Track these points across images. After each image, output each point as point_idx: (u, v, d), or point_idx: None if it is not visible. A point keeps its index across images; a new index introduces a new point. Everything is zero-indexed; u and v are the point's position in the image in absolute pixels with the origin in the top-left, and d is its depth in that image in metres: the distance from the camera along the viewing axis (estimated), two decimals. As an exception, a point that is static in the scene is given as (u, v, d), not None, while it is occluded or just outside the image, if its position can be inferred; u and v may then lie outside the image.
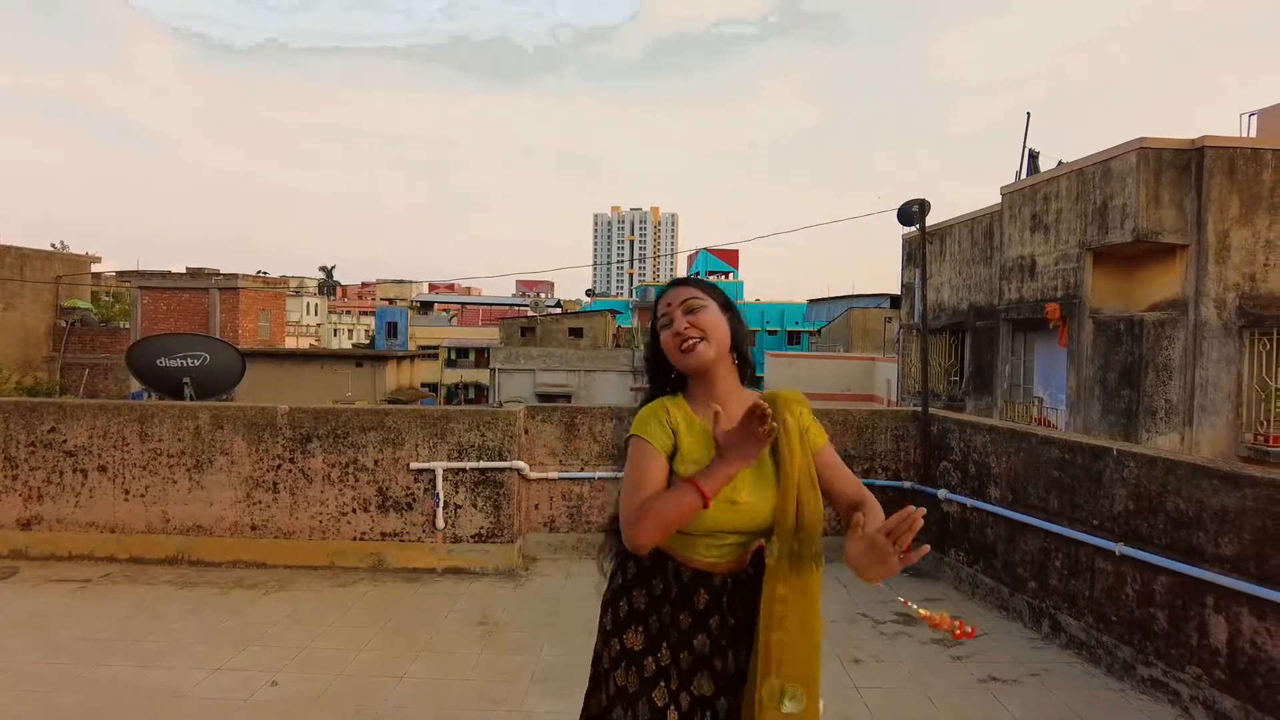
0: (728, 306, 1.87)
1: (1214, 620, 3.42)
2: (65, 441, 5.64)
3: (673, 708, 1.74)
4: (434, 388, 41.39)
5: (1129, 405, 10.00)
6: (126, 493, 5.60)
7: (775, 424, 1.64)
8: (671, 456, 1.76)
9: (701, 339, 1.78)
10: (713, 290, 1.88)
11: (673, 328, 1.80)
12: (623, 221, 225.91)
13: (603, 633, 1.86)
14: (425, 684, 3.77)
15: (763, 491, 1.77)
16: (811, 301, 53.16)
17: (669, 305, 1.83)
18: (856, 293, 47.37)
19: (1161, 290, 10.08)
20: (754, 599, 1.77)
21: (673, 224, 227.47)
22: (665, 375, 1.88)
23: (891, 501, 5.92)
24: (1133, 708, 3.64)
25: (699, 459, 1.73)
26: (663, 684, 1.75)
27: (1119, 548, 3.91)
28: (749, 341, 1.92)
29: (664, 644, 1.77)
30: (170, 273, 31.41)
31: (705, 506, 1.64)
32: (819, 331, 44.27)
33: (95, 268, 32.67)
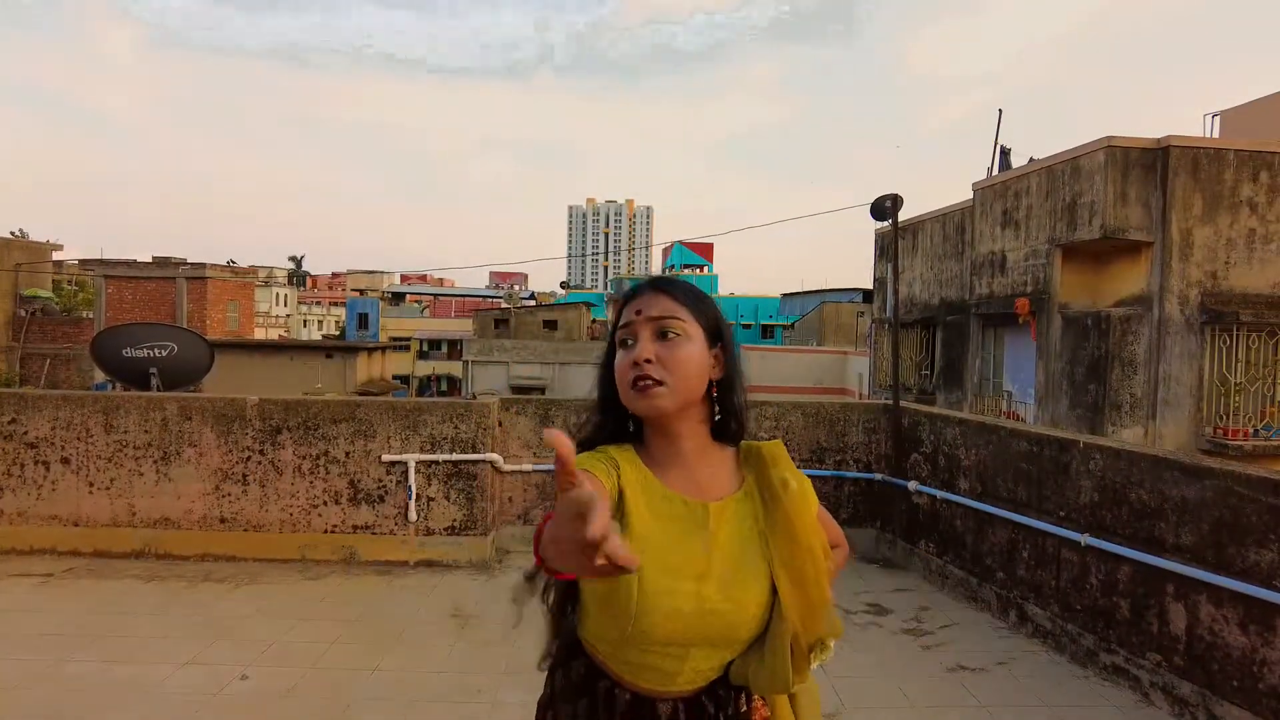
0: (718, 335, 1.36)
1: (1174, 608, 3.50)
2: (26, 433, 5.51)
3: None
4: (406, 380, 41.06)
5: (1095, 399, 10.20)
6: (91, 485, 5.50)
7: (588, 498, 0.85)
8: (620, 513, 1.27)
9: (661, 383, 1.27)
10: (702, 307, 1.35)
11: (631, 354, 1.29)
12: (598, 214, 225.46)
13: None
14: (397, 676, 3.75)
15: (748, 582, 1.28)
16: (785, 296, 53.50)
17: (636, 315, 1.31)
18: (830, 287, 47.74)
19: (1127, 286, 10.29)
20: None
21: (648, 217, 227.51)
22: (616, 408, 1.35)
23: (863, 493, 6.00)
24: (1095, 694, 3.72)
25: (664, 560, 1.23)
26: None
27: (1084, 538, 3.99)
28: (741, 387, 1.39)
29: None
30: (136, 261, 30.79)
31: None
32: (792, 325, 44.57)
33: (57, 256, 31.95)
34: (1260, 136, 11.03)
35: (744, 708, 1.34)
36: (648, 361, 1.27)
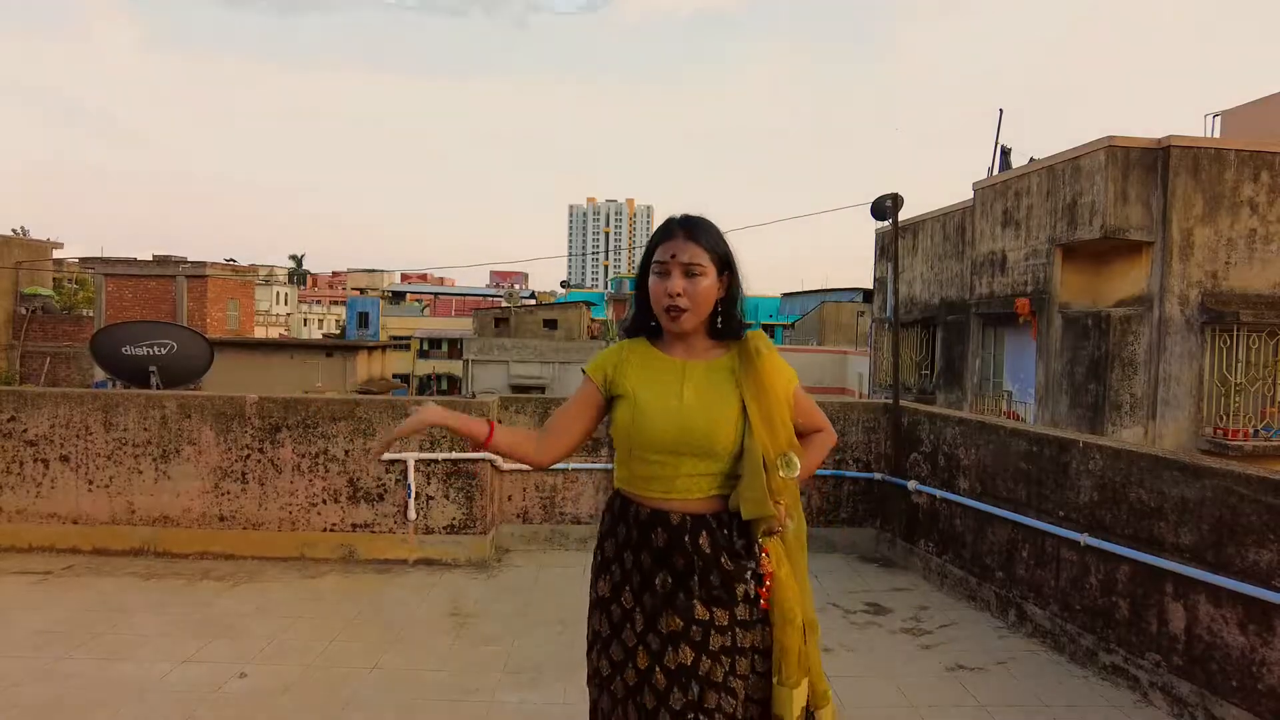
0: (726, 265, 1.86)
1: (1173, 608, 3.50)
2: (25, 431, 5.51)
3: (641, 648, 1.78)
4: (406, 379, 41.04)
5: (1095, 399, 10.20)
6: (90, 483, 5.49)
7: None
8: (610, 390, 1.88)
9: (687, 310, 1.80)
10: (716, 247, 1.84)
11: (667, 286, 1.80)
12: (598, 213, 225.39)
13: (590, 584, 1.94)
14: (395, 675, 3.75)
15: (718, 407, 1.80)
16: (785, 295, 53.46)
17: (672, 257, 1.80)
18: (830, 287, 47.70)
19: (1128, 286, 10.28)
20: (723, 548, 1.78)
21: (648, 216, 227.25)
22: (646, 311, 1.90)
23: (863, 492, 5.99)
24: (1094, 694, 3.72)
25: (652, 391, 1.82)
26: (628, 627, 1.80)
27: (1084, 538, 3.98)
28: (740, 302, 1.91)
29: (627, 588, 1.81)
30: (136, 260, 30.77)
31: (483, 442, 1.84)
32: (793, 325, 44.54)
33: (57, 254, 31.94)
34: (1261, 137, 11.02)
35: (756, 552, 1.80)
36: (679, 295, 1.79)
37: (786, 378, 1.86)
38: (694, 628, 1.75)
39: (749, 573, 1.80)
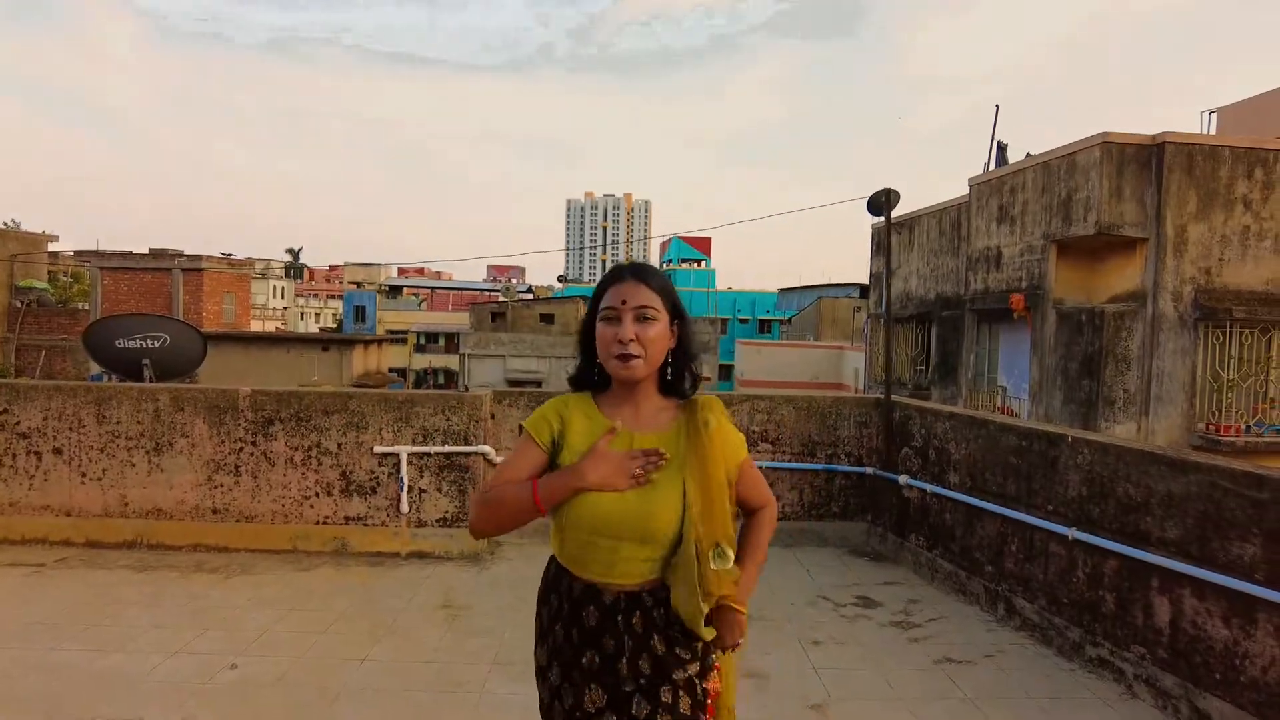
0: (678, 315, 1.77)
1: (1158, 601, 3.53)
2: (19, 423, 5.51)
3: None
4: (403, 373, 41.01)
5: (1089, 395, 10.22)
6: (83, 476, 5.50)
7: (652, 472, 1.65)
8: (558, 453, 1.73)
9: (639, 357, 1.69)
10: (667, 295, 1.75)
11: (618, 332, 1.69)
12: (596, 207, 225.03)
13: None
14: (387, 666, 3.77)
15: (662, 490, 1.67)
16: (783, 290, 53.45)
17: (623, 303, 1.70)
18: (827, 282, 47.72)
19: (1121, 282, 10.30)
20: (657, 629, 1.67)
21: (646, 211, 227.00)
22: (593, 362, 1.79)
23: (854, 486, 6.01)
24: (1081, 686, 3.75)
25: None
26: (557, 704, 1.72)
27: (1071, 532, 4.01)
28: (694, 355, 1.80)
29: (556, 663, 1.72)
30: (131, 253, 30.68)
31: (536, 507, 1.65)
32: (789, 320, 44.56)
33: (52, 247, 31.84)
34: (1257, 133, 11.03)
35: (695, 646, 1.68)
36: (632, 340, 1.68)
37: (733, 450, 1.75)
38: (618, 714, 1.66)
39: (687, 665, 1.68)
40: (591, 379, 1.80)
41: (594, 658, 1.67)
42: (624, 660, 1.65)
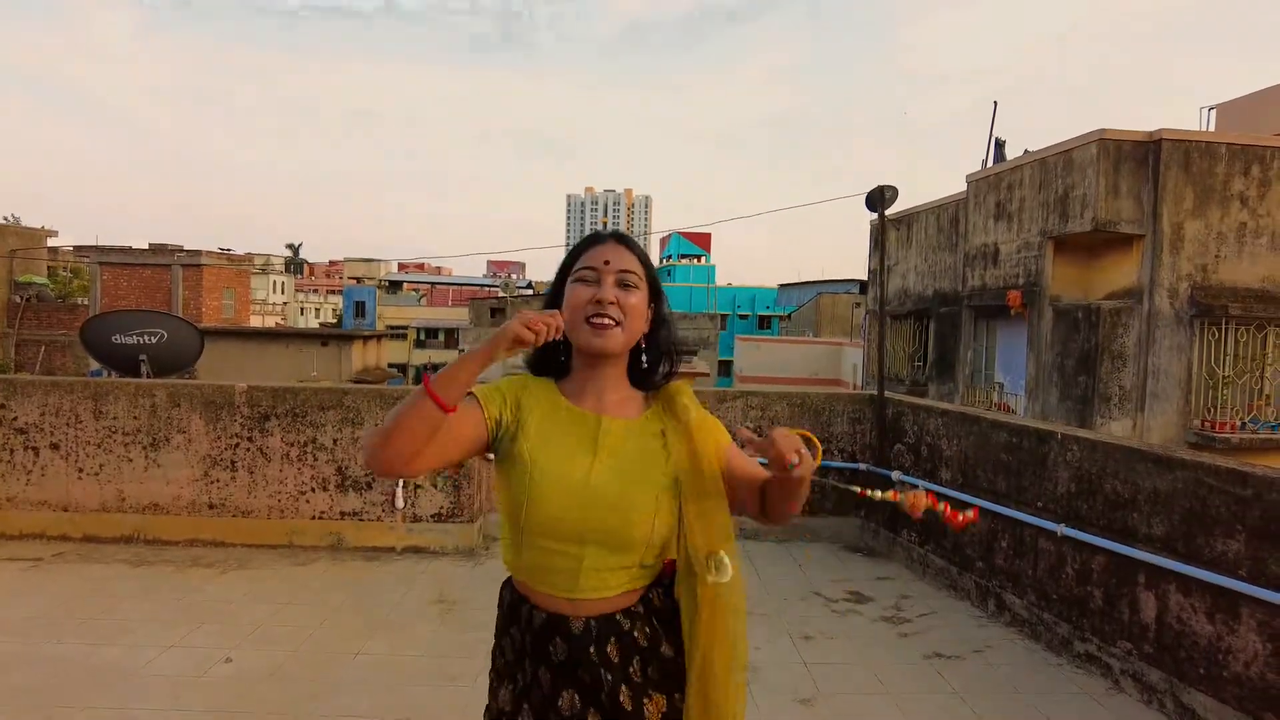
0: (657, 294, 1.55)
1: (1144, 597, 3.55)
2: (15, 419, 5.54)
3: None
4: (403, 368, 41.04)
5: (1085, 391, 10.24)
6: (80, 471, 5.53)
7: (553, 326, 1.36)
8: (501, 439, 1.47)
9: (618, 324, 1.46)
10: (649, 266, 1.55)
11: (597, 292, 1.45)
12: (596, 203, 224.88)
13: (488, 689, 1.58)
14: (381, 660, 3.80)
15: (639, 485, 1.43)
16: (782, 286, 53.45)
17: (605, 264, 1.47)
18: (827, 278, 47.73)
19: (1118, 279, 10.31)
20: (635, 654, 1.43)
21: (646, 206, 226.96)
22: (561, 350, 1.54)
23: (847, 482, 6.04)
24: (1068, 681, 3.78)
25: (553, 456, 1.43)
26: None
27: (1060, 529, 4.03)
28: (671, 338, 1.58)
29: (526, 705, 1.46)
30: (131, 248, 30.70)
31: (439, 406, 1.32)
32: (789, 316, 44.57)
33: (51, 242, 31.86)
34: (1256, 130, 11.03)
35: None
36: (612, 303, 1.45)
37: (716, 439, 1.50)
38: None
39: (672, 694, 1.45)
40: (557, 360, 1.54)
41: (574, 697, 1.41)
42: (604, 695, 1.41)
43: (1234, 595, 3.12)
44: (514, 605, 1.50)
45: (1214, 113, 14.59)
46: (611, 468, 1.43)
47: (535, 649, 1.44)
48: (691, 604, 1.45)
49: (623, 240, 1.54)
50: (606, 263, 1.48)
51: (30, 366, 25.43)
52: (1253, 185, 9.78)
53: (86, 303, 28.87)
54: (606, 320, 1.45)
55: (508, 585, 1.54)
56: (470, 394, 1.45)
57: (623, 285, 1.48)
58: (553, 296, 1.55)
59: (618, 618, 1.44)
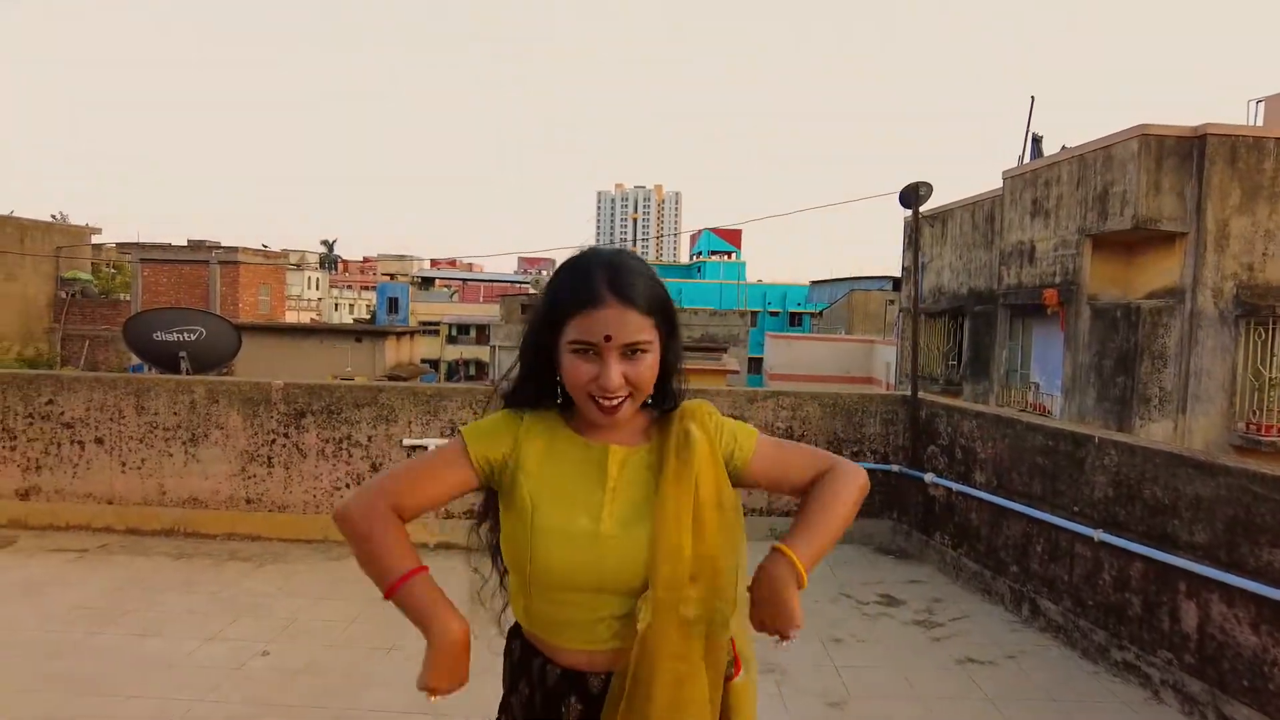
0: (671, 332, 1.34)
1: (1185, 606, 3.48)
2: (63, 414, 5.70)
3: None
4: (435, 364, 41.45)
5: (1123, 392, 10.04)
6: (123, 465, 5.67)
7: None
8: (498, 476, 1.34)
9: (628, 399, 1.28)
10: (659, 310, 1.31)
11: (601, 378, 1.25)
12: (626, 199, 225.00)
13: None
14: (414, 655, 3.82)
15: (649, 528, 1.27)
16: (814, 283, 53.05)
17: (606, 340, 1.24)
18: (859, 275, 47.27)
19: (1159, 278, 10.08)
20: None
21: (676, 202, 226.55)
22: (547, 389, 1.35)
23: (879, 484, 5.99)
24: (1105, 690, 3.71)
25: (559, 500, 1.29)
26: None
27: (1098, 534, 3.96)
28: (676, 369, 1.39)
29: None
30: (170, 245, 31.38)
31: (385, 593, 1.33)
32: (820, 313, 44.23)
33: (95, 239, 32.67)
34: (1304, 124, 10.70)
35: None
36: (621, 384, 1.26)
37: (732, 447, 1.36)
38: None
39: None
40: (544, 397, 1.36)
41: None
42: None
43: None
44: (525, 654, 1.37)
45: (1262, 105, 14.19)
46: (625, 504, 1.28)
47: (547, 708, 1.31)
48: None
49: (622, 295, 1.25)
50: (608, 339, 1.24)
51: (75, 361, 26.14)
52: (1302, 181, 9.50)
53: (128, 298, 29.59)
54: (614, 400, 1.27)
55: (516, 634, 1.41)
56: (459, 438, 1.35)
57: (632, 355, 1.27)
58: (534, 346, 1.33)
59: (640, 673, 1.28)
